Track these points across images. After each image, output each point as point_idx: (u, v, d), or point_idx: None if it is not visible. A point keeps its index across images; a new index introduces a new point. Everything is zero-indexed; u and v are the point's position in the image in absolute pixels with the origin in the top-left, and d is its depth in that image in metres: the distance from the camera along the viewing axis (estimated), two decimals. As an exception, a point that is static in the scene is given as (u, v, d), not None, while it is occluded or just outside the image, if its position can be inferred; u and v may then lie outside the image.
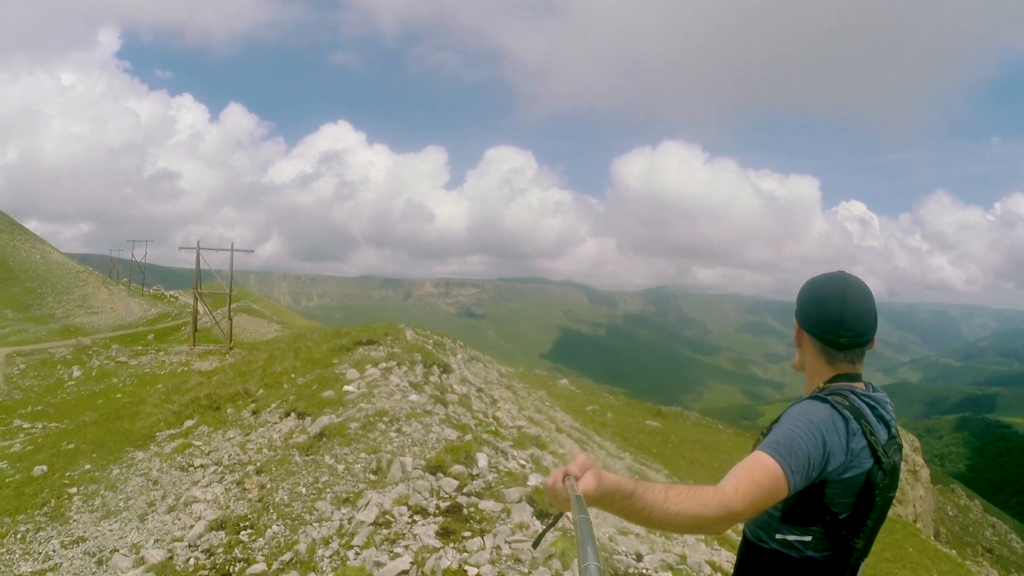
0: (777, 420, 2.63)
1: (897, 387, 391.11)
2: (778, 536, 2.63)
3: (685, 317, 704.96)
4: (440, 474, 8.84)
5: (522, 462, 12.00)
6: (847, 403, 2.56)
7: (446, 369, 18.59)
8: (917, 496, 49.35)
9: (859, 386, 2.72)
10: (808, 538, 2.58)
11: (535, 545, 2.53)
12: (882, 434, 2.60)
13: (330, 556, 7.16)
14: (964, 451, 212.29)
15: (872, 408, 2.63)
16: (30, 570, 9.59)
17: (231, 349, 35.40)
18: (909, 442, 53.67)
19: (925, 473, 53.32)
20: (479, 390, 19.39)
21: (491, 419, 15.94)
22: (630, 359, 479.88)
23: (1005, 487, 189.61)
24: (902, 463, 2.77)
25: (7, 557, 10.29)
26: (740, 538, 2.88)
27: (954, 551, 41.57)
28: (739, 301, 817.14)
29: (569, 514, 2.00)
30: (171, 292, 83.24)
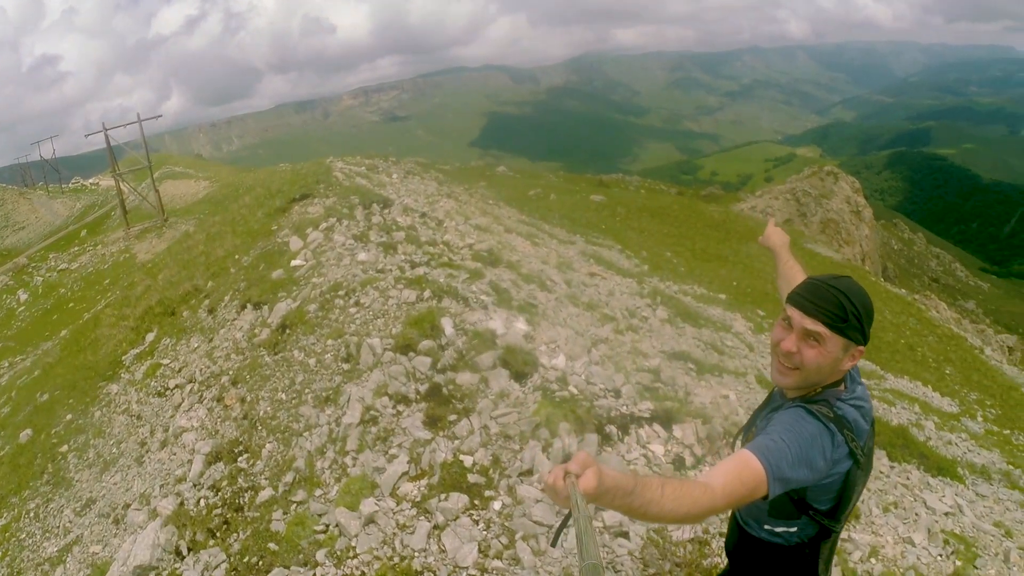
0: (768, 419, 2.87)
1: (832, 127, 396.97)
2: (766, 527, 2.95)
3: (611, 81, 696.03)
4: (412, 353, 8.98)
5: (483, 298, 12.19)
6: (832, 414, 2.68)
7: (386, 203, 18.41)
8: (863, 236, 51.00)
9: (841, 389, 2.84)
10: (794, 529, 2.87)
11: (553, 544, 2.71)
12: (863, 433, 2.77)
13: (329, 467, 7.41)
14: (902, 185, 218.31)
15: (856, 407, 2.78)
16: (55, 548, 9.77)
17: (166, 220, 34.62)
18: (850, 183, 54.73)
19: (868, 212, 54.84)
20: (423, 215, 19.24)
21: (441, 246, 15.89)
22: (562, 132, 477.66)
23: (945, 217, 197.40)
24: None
25: (30, 541, 10.46)
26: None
27: (903, 289, 43.46)
28: (664, 58, 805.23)
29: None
30: (90, 180, 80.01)
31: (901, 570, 7.30)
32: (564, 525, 2.53)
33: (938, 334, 29.93)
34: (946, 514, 9.52)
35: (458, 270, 13.56)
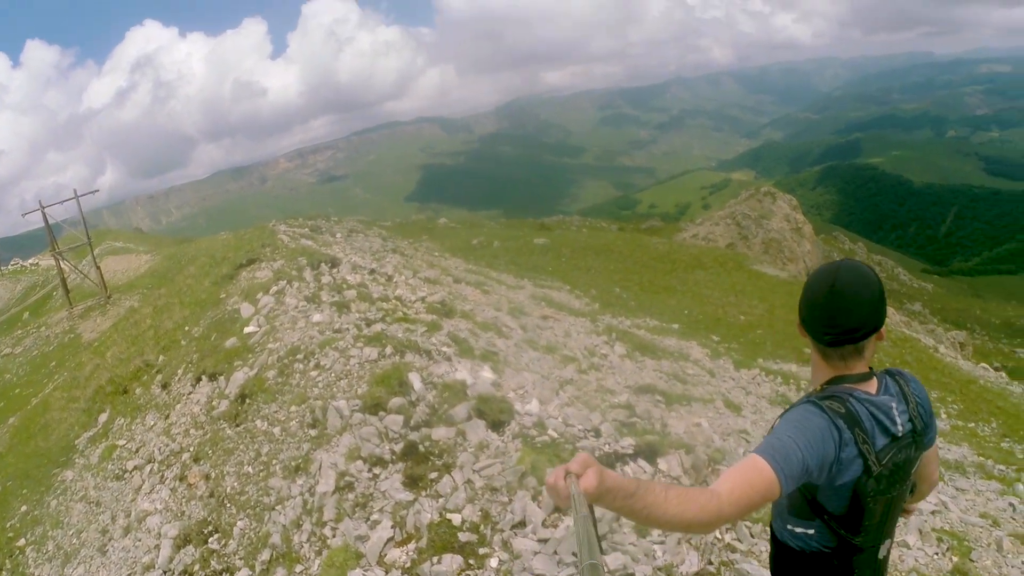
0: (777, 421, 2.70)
1: (763, 149, 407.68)
2: (788, 527, 2.82)
3: (543, 124, 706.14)
4: (382, 412, 8.67)
5: (445, 350, 12.00)
6: (843, 410, 2.56)
7: (334, 263, 18.25)
8: (805, 251, 51.90)
9: (865, 387, 2.67)
10: (812, 531, 2.74)
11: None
12: (879, 441, 2.61)
13: (307, 540, 7.04)
14: (837, 198, 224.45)
15: (872, 413, 2.61)
16: None
17: (109, 297, 33.78)
18: (788, 202, 55.78)
19: (808, 228, 55.90)
20: (372, 272, 19.09)
21: (394, 302, 15.79)
22: (499, 179, 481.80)
23: (883, 224, 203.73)
24: (914, 456, 2.79)
25: None
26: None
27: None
28: (593, 96, 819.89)
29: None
30: (30, 261, 78.13)
31: (903, 574, 7.25)
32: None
33: (891, 339, 30.37)
34: (933, 512, 9.56)
35: (415, 324, 13.40)
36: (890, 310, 30.82)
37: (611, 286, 33.74)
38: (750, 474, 2.38)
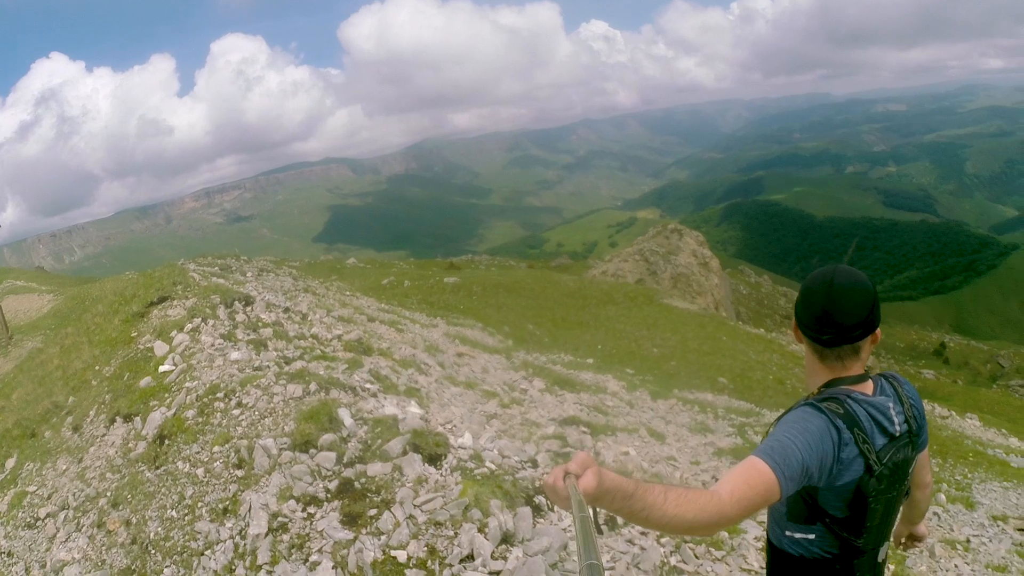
0: (775, 425, 2.70)
1: (668, 188, 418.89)
2: (787, 533, 2.81)
3: (451, 165, 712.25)
4: (312, 450, 8.42)
5: (368, 386, 11.86)
6: (842, 410, 2.58)
7: (247, 301, 17.96)
8: (712, 285, 53.19)
9: (861, 388, 2.71)
10: (812, 536, 2.73)
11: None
12: (878, 441, 2.63)
13: (242, 586, 6.72)
14: (741, 234, 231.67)
15: (870, 413, 2.62)
16: None
17: (11, 338, 32.35)
18: (695, 238, 57.16)
19: (715, 263, 57.32)
20: (286, 310, 18.87)
21: (311, 340, 15.71)
22: (407, 220, 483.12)
23: (787, 257, 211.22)
24: (911, 456, 2.79)
25: None
26: None
27: (761, 329, 45.39)
28: (501, 138, 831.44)
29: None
30: (-74, 302, 74.07)
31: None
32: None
33: (803, 365, 31.23)
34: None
35: (335, 361, 13.28)
36: (792, 339, 31.67)
37: (524, 323, 33.93)
38: (750, 475, 2.37)
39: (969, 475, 16.47)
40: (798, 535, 2.75)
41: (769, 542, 2.98)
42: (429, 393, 13.95)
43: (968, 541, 10.78)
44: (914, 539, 3.42)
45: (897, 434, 2.68)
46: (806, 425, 2.53)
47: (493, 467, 8.02)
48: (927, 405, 27.22)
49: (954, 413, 26.17)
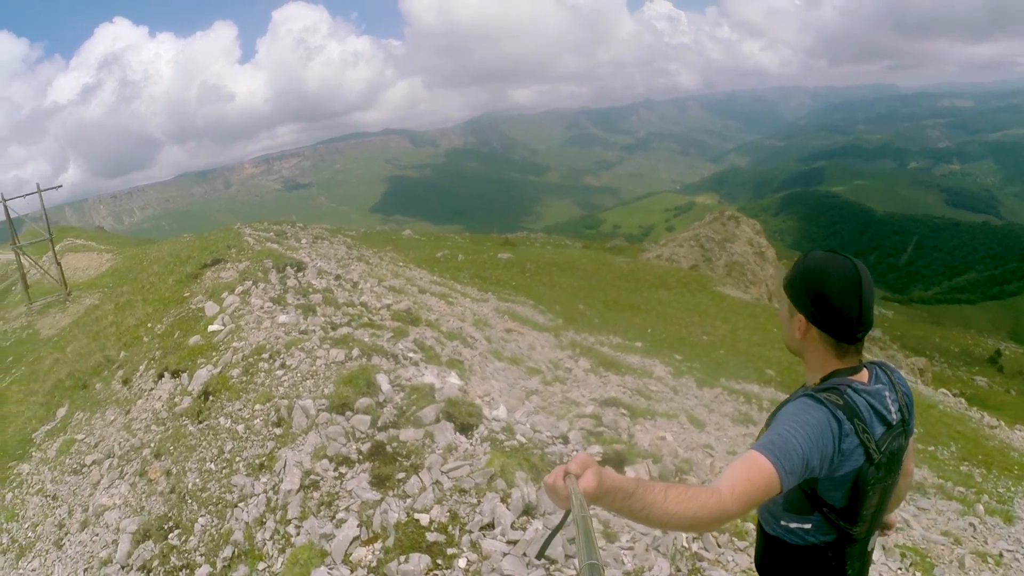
0: (774, 415, 2.68)
1: (728, 174, 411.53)
2: (782, 523, 2.79)
3: (509, 141, 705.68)
4: (348, 412, 8.59)
5: (411, 355, 11.96)
6: (841, 401, 2.56)
7: (299, 266, 18.14)
8: (767, 275, 52.37)
9: (858, 377, 2.69)
10: (808, 525, 2.71)
11: (540, 555, 2.52)
12: (877, 429, 2.61)
13: (271, 538, 6.93)
14: (799, 224, 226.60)
15: (869, 403, 2.61)
16: None
17: (69, 294, 33.19)
18: (751, 226, 56.28)
19: (771, 252, 56.44)
20: (337, 277, 19.04)
21: (360, 308, 15.80)
22: (464, 194, 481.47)
23: (844, 251, 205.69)
24: (904, 445, 2.77)
25: None
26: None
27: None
28: (560, 116, 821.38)
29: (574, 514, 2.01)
30: (-12, 255, 76.09)
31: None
32: (556, 532, 2.35)
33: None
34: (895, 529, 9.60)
35: (381, 329, 13.37)
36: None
37: (575, 302, 33.78)
38: (750, 471, 2.36)
39: (1012, 488, 16.13)
40: (794, 524, 2.75)
41: (761, 529, 2.98)
42: (472, 366, 14.02)
43: (1001, 555, 10.50)
44: (885, 527, 3.41)
45: (894, 422, 2.67)
46: (806, 418, 2.52)
47: (523, 440, 8.09)
48: (976, 413, 26.63)
49: (1003, 423, 25.43)
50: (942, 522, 11.35)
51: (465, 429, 8.07)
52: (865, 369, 2.74)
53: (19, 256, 36.74)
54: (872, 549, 2.91)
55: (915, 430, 2.87)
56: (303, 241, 28.11)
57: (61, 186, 41.18)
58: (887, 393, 2.69)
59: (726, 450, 13.39)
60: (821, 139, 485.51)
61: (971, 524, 12.00)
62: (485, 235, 66.26)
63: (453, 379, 10.75)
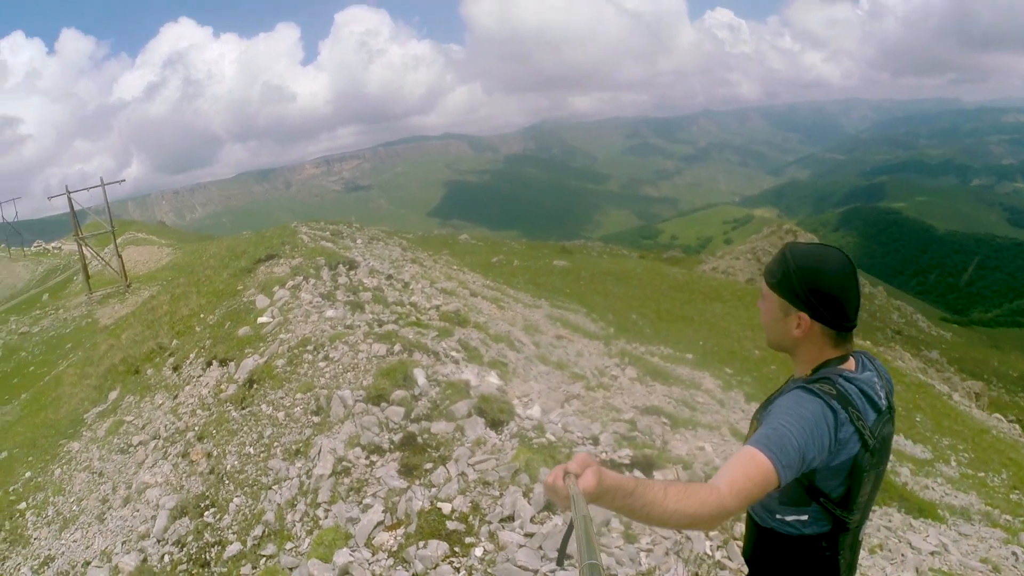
0: (767, 410, 2.69)
1: (787, 187, 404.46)
2: (778, 516, 2.77)
3: (569, 148, 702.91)
4: (384, 403, 8.81)
5: (454, 354, 12.11)
6: (834, 391, 2.57)
7: (352, 265, 18.39)
8: (823, 292, 51.44)
9: (847, 366, 2.73)
10: (805, 517, 2.70)
11: (560, 563, 2.56)
12: (870, 415, 2.62)
13: (300, 519, 7.17)
14: (859, 241, 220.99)
15: (861, 389, 2.63)
16: None
17: (129, 286, 34.11)
18: (809, 241, 55.42)
19: (828, 269, 55.46)
20: (389, 277, 19.23)
21: (409, 307, 15.91)
22: (522, 200, 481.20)
23: (903, 270, 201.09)
24: (892, 431, 2.80)
25: None
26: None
27: (868, 341, 43.88)
28: (621, 124, 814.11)
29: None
30: (53, 244, 78.71)
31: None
32: (567, 540, 2.33)
33: (905, 383, 30.05)
34: (932, 553, 9.49)
35: (427, 328, 13.51)
36: (906, 356, 30.37)
37: (628, 312, 33.65)
38: (748, 467, 2.36)
39: (1063, 521, 15.69)
40: (790, 517, 2.74)
41: (752, 522, 2.96)
42: (516, 368, 14.08)
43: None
44: None
45: (884, 408, 2.69)
46: (801, 411, 2.51)
47: (553, 439, 8.18)
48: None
49: (1062, 456, 24.71)
50: (983, 549, 11.12)
51: (495, 425, 8.21)
52: (852, 358, 2.76)
53: (81, 247, 37.86)
54: (862, 539, 2.91)
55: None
56: (358, 241, 28.47)
57: (124, 180, 42.30)
58: (876, 380, 2.72)
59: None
60: (883, 153, 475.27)
61: (1013, 553, 11.73)
62: (542, 242, 66.24)
63: (492, 378, 10.87)
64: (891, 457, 16.02)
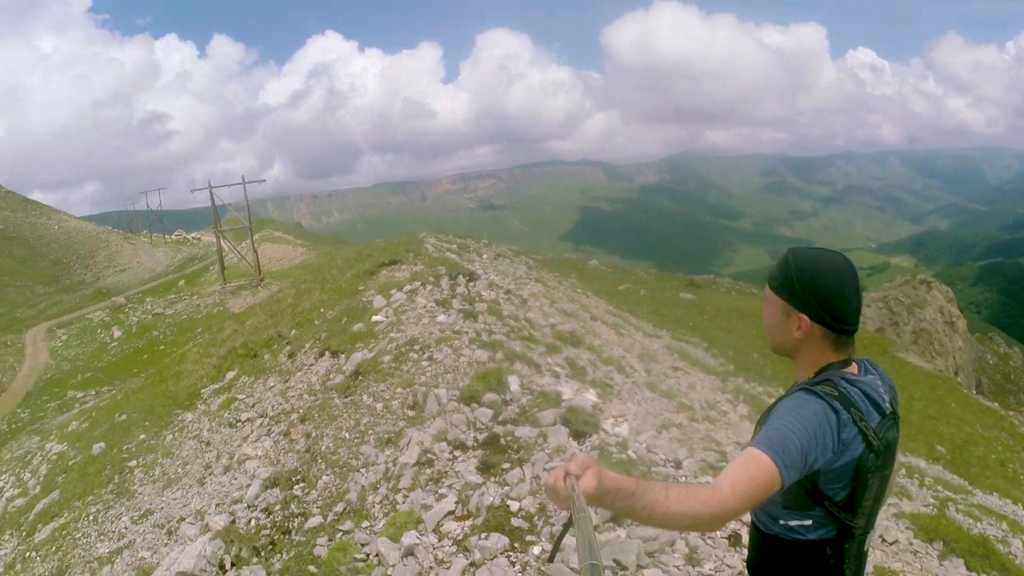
0: (769, 413, 2.69)
1: (927, 235, 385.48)
2: (781, 521, 2.74)
3: (704, 182, 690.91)
4: (475, 404, 9.14)
5: (557, 369, 12.27)
6: (836, 392, 2.57)
7: (472, 277, 18.65)
8: (956, 348, 49.20)
9: (850, 370, 2.73)
10: (808, 522, 2.68)
11: (550, 560, 2.68)
12: (874, 417, 2.62)
13: (380, 502, 7.58)
14: (997, 297, 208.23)
15: (863, 392, 2.64)
16: (107, 550, 10.36)
17: (261, 280, 35.80)
18: (944, 293, 53.14)
19: (962, 324, 52.97)
20: (508, 292, 19.43)
21: (523, 322, 16.03)
22: (655, 231, 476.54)
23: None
24: (897, 436, 2.80)
25: (84, 540, 11.16)
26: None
27: (996, 403, 41.64)
28: (758, 161, 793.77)
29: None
30: (193, 235, 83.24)
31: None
32: (561, 539, 2.45)
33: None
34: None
35: (536, 344, 13.72)
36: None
37: (750, 350, 33.05)
38: (750, 468, 2.37)
39: None
40: (794, 522, 2.72)
41: (756, 529, 2.93)
42: (620, 391, 14.03)
43: None
44: None
45: (888, 412, 2.68)
46: (803, 412, 2.52)
47: (634, 456, 8.25)
48: None
49: None
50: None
51: (579, 436, 8.37)
52: (854, 363, 2.77)
53: (219, 240, 39.93)
54: (868, 550, 2.86)
55: None
56: (484, 257, 28.76)
57: (265, 181, 44.47)
58: (879, 383, 2.73)
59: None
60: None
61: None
62: (671, 274, 65.54)
63: (589, 395, 10.92)
64: (1004, 527, 15.22)
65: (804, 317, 2.66)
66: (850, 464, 2.56)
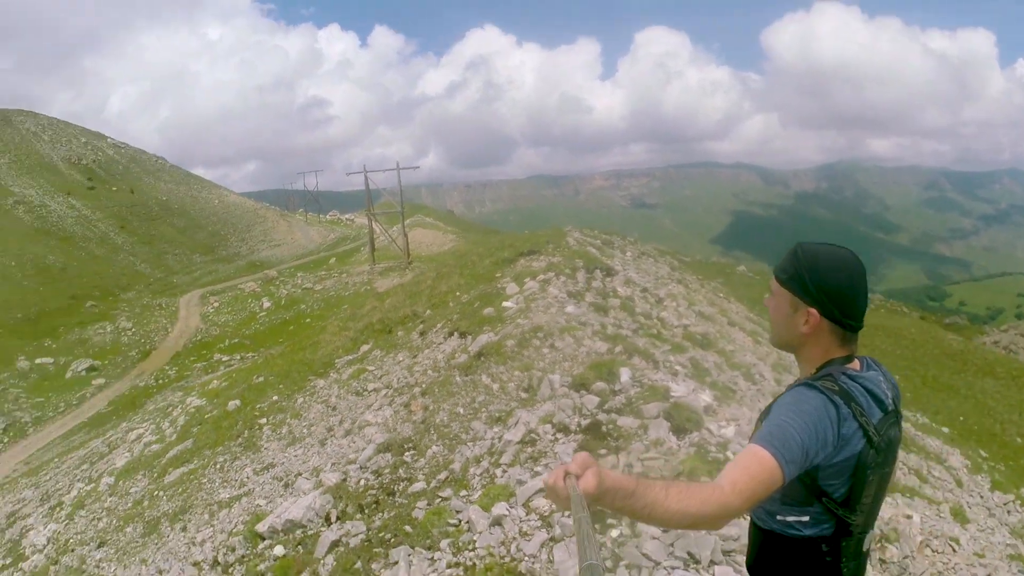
0: (769, 409, 2.68)
1: None
2: (779, 517, 2.74)
3: (862, 192, 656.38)
4: (583, 391, 9.51)
5: (677, 368, 12.30)
6: (836, 387, 2.58)
7: (609, 272, 18.81)
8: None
9: (853, 365, 2.75)
10: (806, 518, 2.68)
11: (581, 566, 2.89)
12: (875, 414, 2.63)
13: (480, 474, 8.08)
14: None
15: (865, 387, 2.66)
16: (227, 496, 11.43)
17: (410, 263, 37.04)
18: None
19: None
20: (644, 290, 19.38)
21: (655, 320, 16.02)
22: (807, 240, 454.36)
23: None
24: (899, 435, 2.78)
25: (208, 486, 12.37)
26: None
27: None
28: (918, 173, 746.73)
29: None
30: (347, 216, 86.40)
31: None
32: (585, 544, 2.34)
33: None
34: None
35: (662, 342, 13.72)
36: None
37: (892, 371, 31.84)
38: (751, 465, 2.36)
39: None
40: (791, 518, 2.71)
41: (755, 526, 2.92)
42: (743, 397, 13.84)
43: None
44: None
45: (890, 408, 2.69)
46: (802, 406, 2.52)
47: (731, 456, 8.33)
48: None
49: None
50: None
51: (679, 431, 8.51)
52: (856, 359, 2.79)
53: (371, 222, 41.47)
54: (868, 551, 2.87)
55: None
56: (627, 254, 28.52)
57: (419, 167, 46.28)
58: (881, 380, 2.74)
59: (973, 551, 12.33)
60: None
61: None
62: (822, 286, 63.47)
63: (704, 396, 10.91)
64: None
65: (813, 311, 2.68)
66: (850, 460, 2.57)
